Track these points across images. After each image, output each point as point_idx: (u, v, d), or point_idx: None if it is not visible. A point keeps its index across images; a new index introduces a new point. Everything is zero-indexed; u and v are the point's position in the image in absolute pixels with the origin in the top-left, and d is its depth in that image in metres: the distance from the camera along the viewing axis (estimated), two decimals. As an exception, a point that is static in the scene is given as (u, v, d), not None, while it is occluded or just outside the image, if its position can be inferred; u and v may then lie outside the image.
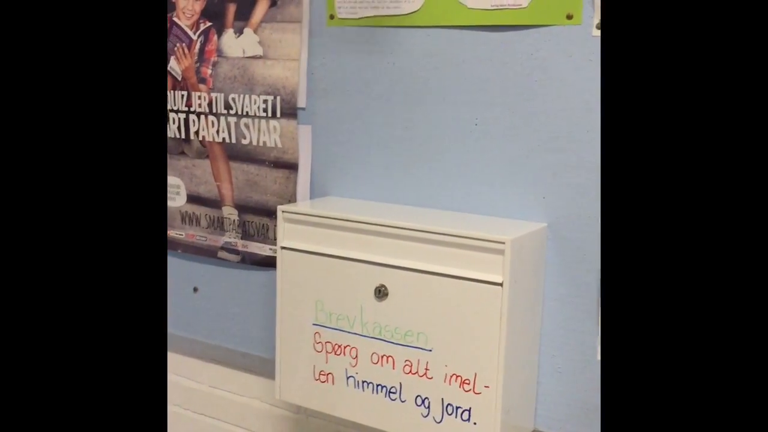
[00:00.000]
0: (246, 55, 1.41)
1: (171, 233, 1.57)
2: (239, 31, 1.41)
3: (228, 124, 1.45)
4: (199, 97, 1.48)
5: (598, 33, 1.10)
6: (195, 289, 1.57)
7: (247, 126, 1.43)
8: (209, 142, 1.49)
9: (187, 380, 1.67)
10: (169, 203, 1.57)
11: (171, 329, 1.60)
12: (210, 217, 1.52)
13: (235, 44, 1.42)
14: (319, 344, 1.24)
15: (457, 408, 1.12)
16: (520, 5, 1.15)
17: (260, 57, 1.40)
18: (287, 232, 1.26)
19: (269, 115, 1.40)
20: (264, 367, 1.53)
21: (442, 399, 1.13)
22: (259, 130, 1.42)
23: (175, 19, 1.48)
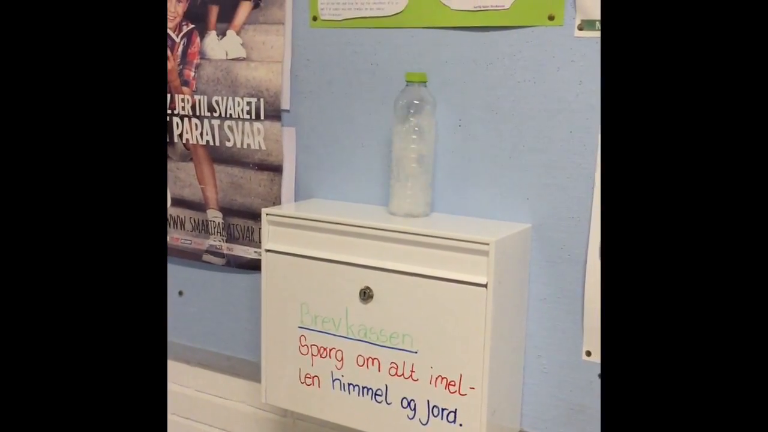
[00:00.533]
0: (229, 57, 1.40)
1: (155, 237, 1.56)
2: (222, 33, 1.41)
3: (212, 127, 1.45)
4: (183, 100, 1.47)
5: (580, 34, 1.10)
6: (180, 293, 1.57)
7: (230, 128, 1.42)
8: (193, 144, 1.48)
9: (173, 384, 1.66)
10: (153, 206, 1.56)
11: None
12: (195, 220, 1.51)
13: (218, 46, 1.41)
14: (305, 347, 1.24)
15: (443, 410, 1.12)
16: (503, 6, 1.15)
17: (243, 59, 1.39)
18: (272, 235, 1.26)
19: (253, 117, 1.40)
20: (250, 370, 1.53)
21: (428, 401, 1.13)
22: (242, 132, 1.41)
23: (157, 21, 1.48)
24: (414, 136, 1.18)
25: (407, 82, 1.18)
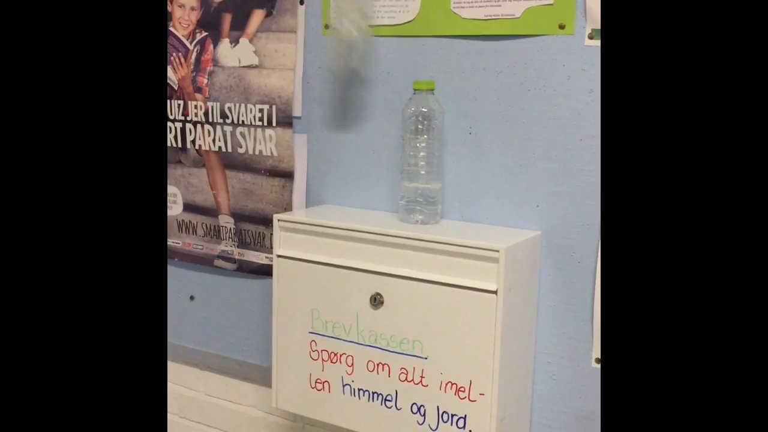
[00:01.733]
0: (242, 65, 1.42)
1: (168, 242, 1.57)
2: (235, 41, 1.42)
3: (224, 133, 1.46)
4: (196, 107, 1.48)
5: (590, 42, 1.11)
6: (191, 298, 1.58)
7: (243, 135, 1.44)
8: (205, 151, 1.49)
9: (184, 389, 1.67)
10: (166, 212, 1.57)
11: (167, 338, 1.60)
12: (206, 225, 1.52)
13: (231, 54, 1.43)
14: (315, 352, 1.24)
15: (452, 416, 1.13)
16: (514, 15, 1.16)
17: (256, 66, 1.40)
18: (283, 241, 1.27)
19: (265, 124, 1.41)
20: (260, 375, 1.53)
21: (438, 407, 1.14)
22: (254, 138, 1.42)
23: (171, 28, 1.49)
24: (422, 144, 1.19)
25: (414, 90, 1.19)
